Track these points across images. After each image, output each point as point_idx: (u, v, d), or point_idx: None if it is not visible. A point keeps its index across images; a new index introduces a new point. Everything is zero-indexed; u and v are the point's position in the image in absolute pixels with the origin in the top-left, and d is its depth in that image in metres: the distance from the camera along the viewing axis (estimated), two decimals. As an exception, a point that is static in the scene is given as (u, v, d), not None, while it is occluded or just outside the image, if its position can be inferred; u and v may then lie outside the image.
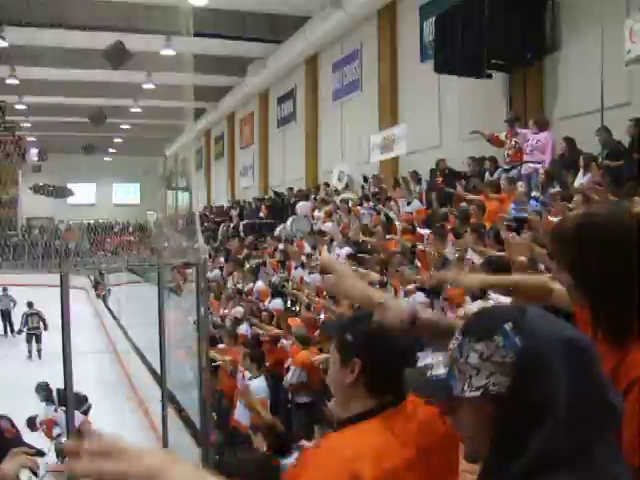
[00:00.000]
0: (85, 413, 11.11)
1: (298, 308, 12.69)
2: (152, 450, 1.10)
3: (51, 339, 16.33)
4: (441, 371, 1.58)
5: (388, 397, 2.19)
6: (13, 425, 9.54)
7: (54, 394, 10.91)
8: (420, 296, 8.98)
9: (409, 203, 15.37)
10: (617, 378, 2.12)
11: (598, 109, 11.28)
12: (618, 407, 1.52)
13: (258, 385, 9.88)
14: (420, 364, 1.83)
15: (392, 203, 15.84)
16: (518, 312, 1.52)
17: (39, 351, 21.75)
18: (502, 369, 1.47)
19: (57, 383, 8.98)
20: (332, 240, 15.83)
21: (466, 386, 1.50)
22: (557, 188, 11.00)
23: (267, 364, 10.69)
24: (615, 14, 11.73)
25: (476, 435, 1.54)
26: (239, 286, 17.05)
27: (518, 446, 1.44)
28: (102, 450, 1.07)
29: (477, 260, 8.83)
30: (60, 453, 10.14)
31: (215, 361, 11.60)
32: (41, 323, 21.95)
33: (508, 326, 1.48)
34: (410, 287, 9.44)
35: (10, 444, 7.07)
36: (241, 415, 9.91)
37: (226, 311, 15.51)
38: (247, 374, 10.16)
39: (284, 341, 11.25)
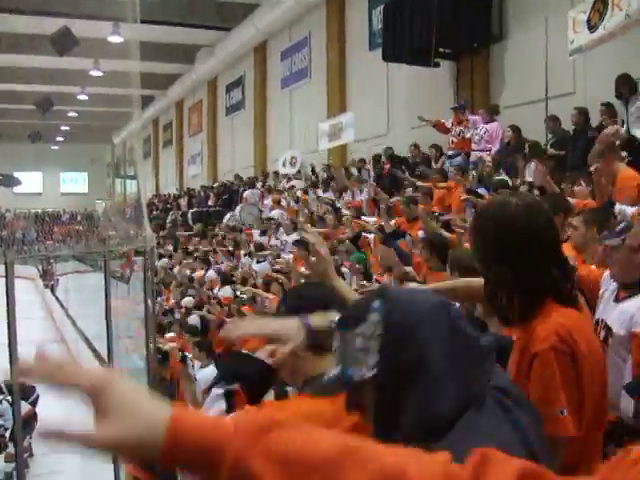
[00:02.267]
0: (33, 403, 11.00)
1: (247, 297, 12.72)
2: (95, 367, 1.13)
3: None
4: (333, 372, 1.63)
5: None
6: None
7: (1, 384, 10.78)
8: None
9: (361, 191, 15.46)
10: (525, 354, 2.33)
11: (543, 98, 11.40)
12: (489, 347, 1.63)
13: (209, 374, 9.89)
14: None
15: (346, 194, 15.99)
16: (381, 290, 1.60)
17: None
18: None
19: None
20: (279, 226, 15.90)
21: (364, 369, 1.55)
22: (503, 175, 11.14)
23: (216, 351, 10.69)
24: (559, 4, 11.88)
25: None
26: (188, 273, 17.06)
27: (396, 412, 1.50)
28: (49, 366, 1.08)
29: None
30: (-1, 444, 10.10)
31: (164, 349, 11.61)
32: None
33: (376, 303, 1.56)
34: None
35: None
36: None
37: (173, 301, 15.57)
38: (197, 363, 10.16)
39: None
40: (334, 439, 0.97)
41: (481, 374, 1.57)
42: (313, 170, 19.86)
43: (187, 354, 10.69)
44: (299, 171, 20.91)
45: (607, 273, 4.48)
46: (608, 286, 4.44)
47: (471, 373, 1.54)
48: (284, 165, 21.63)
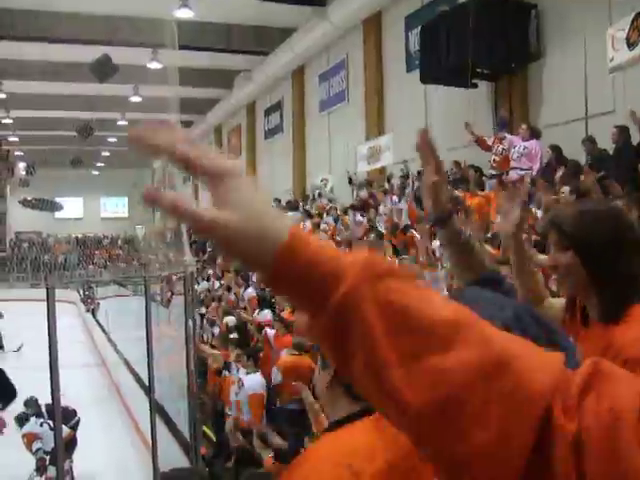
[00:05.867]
0: (74, 427, 11.04)
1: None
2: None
3: (40, 353, 16.25)
4: None
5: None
6: None
7: (43, 408, 10.83)
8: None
9: (399, 200, 15.43)
10: (607, 359, 2.24)
11: (583, 117, 11.32)
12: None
13: (255, 380, 9.88)
14: None
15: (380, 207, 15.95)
16: (456, 293, 1.56)
17: None
18: None
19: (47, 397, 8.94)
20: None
21: None
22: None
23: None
24: (598, 22, 11.79)
25: None
26: (228, 290, 17.21)
27: None
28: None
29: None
30: (39, 468, 10.13)
31: (205, 363, 11.65)
32: None
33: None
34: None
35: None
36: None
37: (214, 317, 15.69)
38: (243, 370, 10.19)
39: (267, 330, 11.49)
40: (450, 306, 0.88)
41: None
42: (350, 180, 19.82)
43: (230, 362, 10.78)
44: (332, 190, 20.97)
45: None
46: None
47: None
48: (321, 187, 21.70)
